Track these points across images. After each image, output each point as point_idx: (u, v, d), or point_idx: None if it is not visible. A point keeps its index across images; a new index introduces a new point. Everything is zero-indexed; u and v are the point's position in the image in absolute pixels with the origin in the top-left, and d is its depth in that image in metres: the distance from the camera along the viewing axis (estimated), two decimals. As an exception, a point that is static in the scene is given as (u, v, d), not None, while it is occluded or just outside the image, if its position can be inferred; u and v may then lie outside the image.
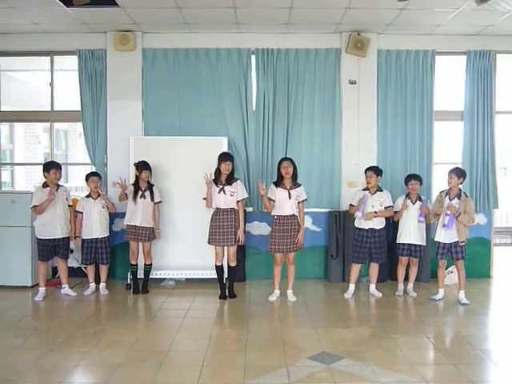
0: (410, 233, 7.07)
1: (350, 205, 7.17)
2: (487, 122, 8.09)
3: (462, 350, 5.06)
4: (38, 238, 6.91)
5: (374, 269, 7.14)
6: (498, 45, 8.08)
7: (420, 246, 7.10)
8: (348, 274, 7.31)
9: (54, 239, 6.86)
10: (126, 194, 7.09)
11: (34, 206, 6.74)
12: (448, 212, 6.54)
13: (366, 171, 7.06)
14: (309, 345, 5.13)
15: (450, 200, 6.62)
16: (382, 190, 7.06)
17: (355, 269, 7.14)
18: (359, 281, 7.42)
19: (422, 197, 7.17)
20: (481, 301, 6.91)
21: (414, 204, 7.06)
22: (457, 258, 6.68)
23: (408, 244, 7.10)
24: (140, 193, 7.10)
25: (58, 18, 7.36)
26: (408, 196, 7.12)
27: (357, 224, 7.06)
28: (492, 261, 8.31)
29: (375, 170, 7.02)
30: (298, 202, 6.80)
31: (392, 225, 7.48)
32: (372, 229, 6.97)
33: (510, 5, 6.57)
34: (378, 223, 7.00)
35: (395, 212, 7.14)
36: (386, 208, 6.96)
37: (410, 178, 7.18)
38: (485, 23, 7.50)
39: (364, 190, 7.07)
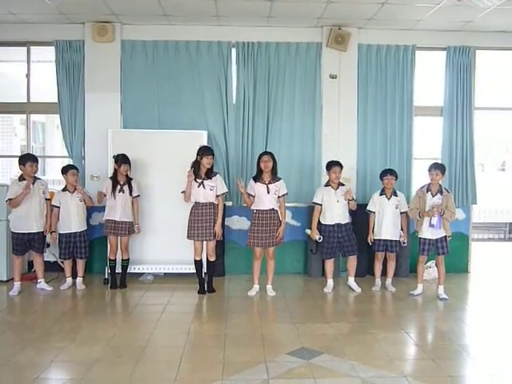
0: (385, 228, 7.09)
1: (314, 203, 7.11)
2: (466, 117, 8.12)
3: (441, 345, 5.09)
4: (12, 232, 6.80)
5: (351, 262, 7.13)
6: (478, 41, 8.12)
7: (396, 241, 7.12)
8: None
9: (29, 233, 6.76)
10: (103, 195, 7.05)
11: (9, 200, 6.64)
12: (435, 213, 6.54)
13: (330, 166, 7.02)
14: (288, 340, 5.11)
15: (433, 196, 6.64)
16: (343, 184, 7.07)
17: (329, 264, 7.16)
18: (338, 275, 7.42)
19: (398, 192, 7.19)
20: (459, 296, 6.95)
21: (389, 199, 7.09)
22: (442, 252, 6.69)
23: (384, 240, 7.12)
24: (118, 187, 7.01)
25: (35, 8, 7.23)
26: (383, 191, 7.14)
27: (322, 220, 7.06)
28: (470, 256, 8.38)
29: (340, 165, 7.01)
30: (278, 197, 6.79)
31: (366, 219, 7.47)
32: (338, 224, 6.99)
33: (490, 0, 6.60)
34: (344, 218, 7.02)
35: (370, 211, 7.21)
36: (349, 201, 6.99)
37: (385, 172, 7.17)
38: (465, 19, 7.53)
39: (326, 185, 7.07)
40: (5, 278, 7.31)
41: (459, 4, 6.49)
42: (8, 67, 11.02)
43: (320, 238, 7.04)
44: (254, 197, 6.77)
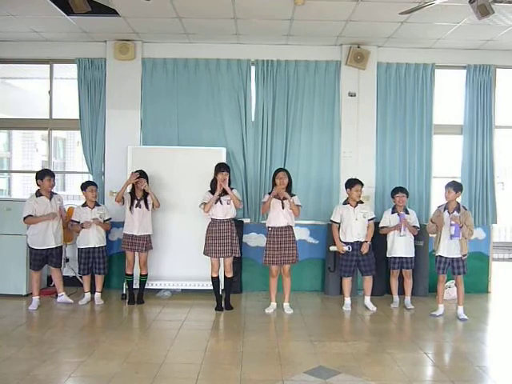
0: (399, 246, 7.09)
1: (332, 221, 7.09)
2: (486, 136, 8.07)
3: (460, 366, 5.00)
4: (30, 248, 6.88)
5: (367, 281, 7.10)
6: (498, 59, 8.09)
7: (410, 258, 7.12)
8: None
9: (47, 249, 6.84)
10: (123, 198, 7.04)
11: (27, 216, 6.72)
12: (453, 222, 6.47)
13: (353, 185, 6.97)
14: (305, 359, 5.07)
15: (450, 214, 6.58)
16: (362, 202, 7.07)
17: (347, 282, 7.11)
18: (356, 294, 7.36)
19: (409, 209, 7.17)
20: (479, 316, 6.85)
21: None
22: (458, 272, 6.61)
23: (399, 257, 7.12)
24: (136, 202, 7.07)
25: (58, 27, 7.35)
26: (394, 209, 7.13)
27: (342, 237, 7.02)
28: (490, 276, 8.26)
29: (361, 183, 7.01)
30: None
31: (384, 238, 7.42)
32: (357, 242, 6.95)
33: (510, 19, 6.58)
34: (363, 236, 6.97)
35: (382, 227, 7.21)
36: (369, 220, 6.99)
37: (396, 190, 7.18)
38: (485, 37, 7.51)
39: (344, 203, 7.05)
40: (24, 293, 7.36)
41: (479, 23, 6.45)
42: (31, 84, 11.23)
43: (349, 248, 6.95)
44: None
